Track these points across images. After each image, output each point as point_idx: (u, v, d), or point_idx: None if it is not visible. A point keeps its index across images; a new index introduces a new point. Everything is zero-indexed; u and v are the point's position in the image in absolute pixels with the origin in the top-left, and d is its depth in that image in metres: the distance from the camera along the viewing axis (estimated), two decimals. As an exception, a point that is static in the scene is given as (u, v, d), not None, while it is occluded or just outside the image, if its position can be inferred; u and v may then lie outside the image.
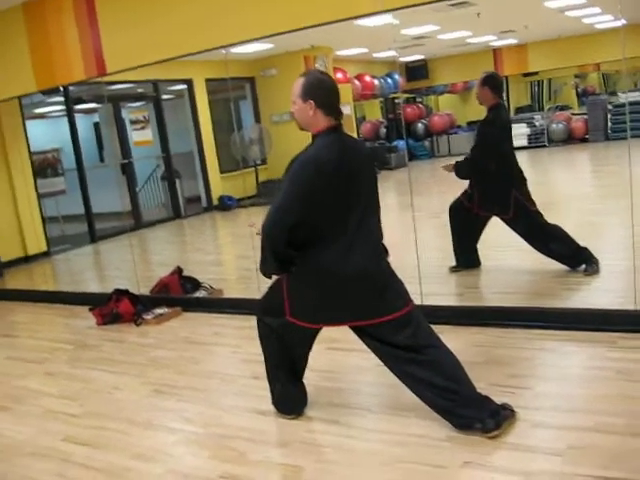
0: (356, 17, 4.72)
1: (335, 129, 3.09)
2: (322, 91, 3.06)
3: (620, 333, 3.95)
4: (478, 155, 5.26)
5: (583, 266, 5.10)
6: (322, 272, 3.08)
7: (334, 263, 3.04)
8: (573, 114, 13.77)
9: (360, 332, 3.23)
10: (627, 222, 4.36)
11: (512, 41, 11.78)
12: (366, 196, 3.11)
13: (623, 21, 4.79)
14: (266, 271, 3.22)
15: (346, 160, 3.03)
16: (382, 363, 3.26)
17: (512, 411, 3.07)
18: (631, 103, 13.09)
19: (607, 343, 3.87)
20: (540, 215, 5.18)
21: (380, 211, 3.21)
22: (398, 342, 3.11)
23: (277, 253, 3.09)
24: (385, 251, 3.22)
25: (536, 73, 13.64)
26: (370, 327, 3.15)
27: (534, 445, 2.88)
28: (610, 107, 12.85)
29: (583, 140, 12.94)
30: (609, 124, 12.76)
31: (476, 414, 2.99)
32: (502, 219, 5.27)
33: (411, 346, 3.10)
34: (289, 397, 3.48)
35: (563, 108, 14.46)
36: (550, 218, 5.23)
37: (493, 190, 5.20)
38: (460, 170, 5.32)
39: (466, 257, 5.57)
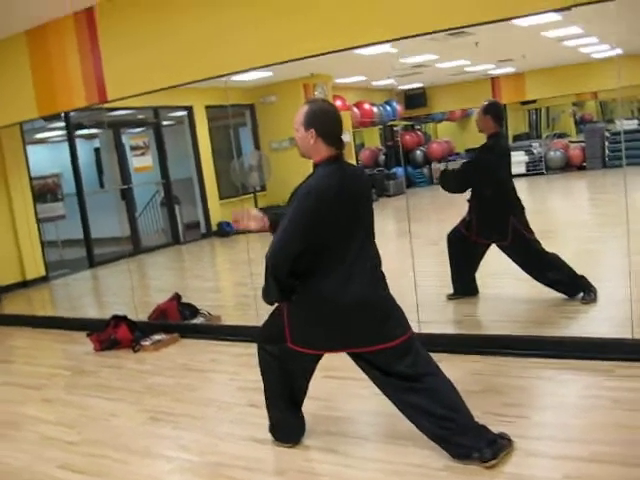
0: (356, 47, 4.77)
1: (336, 158, 3.12)
2: (324, 121, 3.09)
3: (617, 362, 3.96)
4: (470, 173, 5.32)
5: (581, 294, 5.12)
6: (322, 300, 3.11)
7: (333, 292, 3.06)
8: (571, 142, 13.84)
9: (359, 359, 3.24)
10: (624, 250, 4.38)
11: (510, 70, 11.86)
12: (365, 223, 3.16)
13: (618, 51, 4.86)
14: (268, 299, 3.23)
15: (346, 189, 3.06)
16: (380, 391, 3.26)
17: (509, 440, 3.07)
18: (628, 131, 13.20)
19: (604, 372, 3.88)
20: (538, 243, 5.20)
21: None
22: (397, 371, 3.12)
23: (280, 282, 3.11)
24: (383, 277, 3.23)
25: (534, 101, 13.73)
26: (369, 354, 3.16)
27: (530, 474, 2.88)
28: (607, 135, 12.93)
29: (580, 168, 12.98)
30: (606, 152, 12.82)
31: (473, 443, 2.99)
32: (500, 247, 5.29)
33: (410, 375, 3.11)
34: (287, 425, 3.48)
35: (561, 136, 14.52)
36: (548, 246, 5.25)
37: (491, 217, 5.23)
38: (444, 180, 5.35)
39: (464, 285, 5.58)
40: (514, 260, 5.27)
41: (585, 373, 3.95)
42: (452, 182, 5.39)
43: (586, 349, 4.15)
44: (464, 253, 5.47)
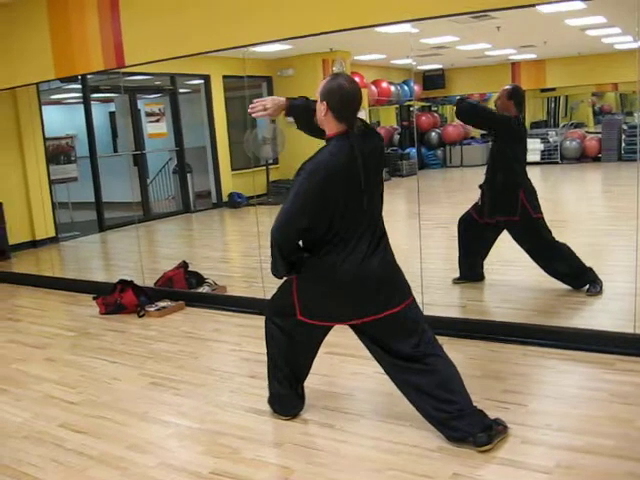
0: (376, 25, 4.75)
1: (347, 135, 3.09)
2: (338, 97, 3.08)
3: (618, 355, 3.97)
4: (490, 115, 5.36)
5: (587, 286, 5.12)
6: (328, 274, 3.14)
7: (339, 266, 3.09)
8: (587, 132, 13.75)
9: (363, 336, 3.27)
10: (633, 245, 4.37)
11: (531, 56, 11.77)
12: (372, 196, 3.15)
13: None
14: (277, 274, 3.25)
15: (355, 166, 3.04)
16: (381, 370, 3.29)
17: (505, 427, 3.10)
18: (645, 125, 13.09)
19: (604, 365, 3.89)
20: (549, 232, 5.19)
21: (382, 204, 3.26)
22: (401, 350, 3.15)
23: (284, 256, 3.14)
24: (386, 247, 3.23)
25: (553, 89, 13.62)
26: (374, 329, 3.19)
27: (523, 461, 2.90)
28: (625, 127, 12.83)
29: (596, 159, 12.91)
30: (623, 144, 12.74)
31: (469, 428, 3.02)
32: (510, 230, 5.26)
33: (413, 356, 3.14)
34: (286, 399, 3.52)
35: (578, 125, 14.43)
36: (558, 235, 5.24)
37: (502, 192, 5.21)
38: (462, 107, 5.29)
39: (470, 270, 5.58)
40: (522, 245, 5.25)
41: (585, 365, 3.97)
42: (469, 110, 5.31)
43: (587, 341, 4.16)
44: (474, 238, 5.46)
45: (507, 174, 5.22)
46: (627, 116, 14.17)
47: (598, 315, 4.92)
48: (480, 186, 5.39)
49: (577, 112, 15.61)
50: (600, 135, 13.14)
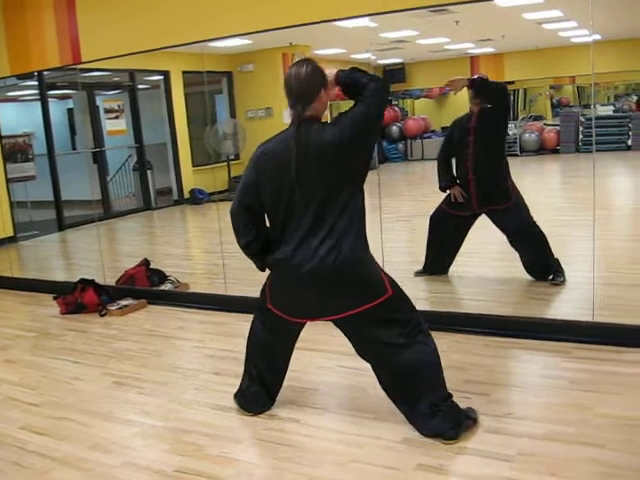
0: (334, 20, 4.76)
1: (294, 123, 3.03)
2: (285, 83, 3.07)
3: (576, 344, 4.05)
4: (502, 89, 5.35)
5: (550, 276, 5.18)
6: (278, 270, 3.17)
7: (285, 262, 3.08)
8: (546, 124, 13.94)
9: (338, 324, 3.22)
10: (590, 234, 4.46)
11: (489, 50, 11.88)
12: (318, 190, 3.00)
13: (596, 36, 4.89)
14: (255, 264, 3.29)
15: (289, 156, 2.97)
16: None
17: (475, 420, 3.13)
18: (602, 117, 13.31)
19: (563, 353, 3.97)
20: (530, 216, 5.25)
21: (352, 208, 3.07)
22: (378, 339, 3.11)
23: (240, 237, 3.21)
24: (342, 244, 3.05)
25: (512, 82, 13.77)
26: (344, 325, 3.18)
27: (486, 450, 2.94)
28: (582, 120, 13.04)
29: (554, 151, 13.10)
30: (580, 136, 12.94)
31: (440, 425, 3.03)
32: (494, 215, 5.27)
33: (392, 344, 3.09)
34: (255, 396, 3.51)
35: (536, 118, 14.61)
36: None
37: (494, 181, 5.24)
38: (481, 84, 5.16)
39: (437, 264, 5.61)
40: (506, 228, 5.27)
41: (544, 353, 4.04)
42: (490, 86, 5.27)
43: (546, 330, 4.23)
44: (449, 233, 5.45)
45: (499, 160, 5.28)
46: (584, 108, 14.40)
47: (558, 305, 5.01)
48: (455, 181, 5.41)
49: (535, 105, 15.81)
50: (558, 127, 13.33)
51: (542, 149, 13.07)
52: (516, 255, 5.31)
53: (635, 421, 3.10)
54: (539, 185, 11.56)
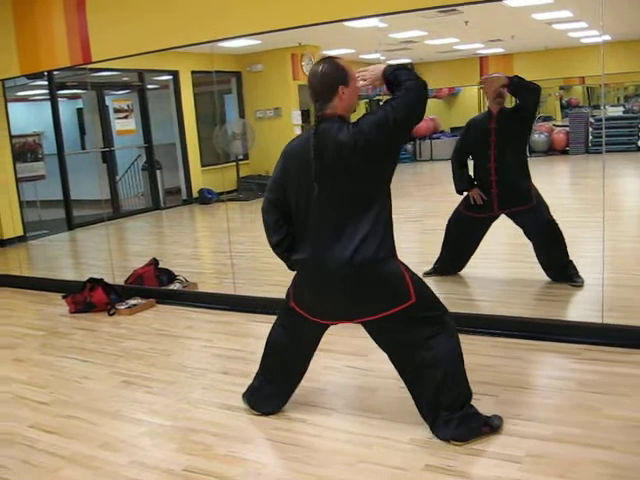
0: (344, 20, 4.76)
1: (316, 121, 3.03)
2: (309, 82, 3.09)
3: (585, 345, 4.04)
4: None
5: (571, 277, 5.14)
6: (298, 267, 3.17)
7: (304, 259, 3.10)
8: (555, 125, 13.90)
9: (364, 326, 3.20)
10: (600, 236, 4.44)
11: (499, 50, 11.86)
12: (332, 192, 2.98)
13: (606, 37, 4.87)
14: (285, 264, 3.27)
15: (309, 154, 2.97)
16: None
17: (492, 428, 3.08)
18: (612, 118, 13.26)
19: (572, 354, 3.95)
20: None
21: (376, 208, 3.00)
22: (400, 340, 3.10)
23: (274, 242, 3.20)
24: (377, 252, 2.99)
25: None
26: (369, 327, 3.16)
27: (494, 451, 2.94)
28: (592, 120, 13.00)
29: (564, 152, 13.06)
30: (590, 137, 12.90)
31: (454, 431, 3.02)
32: (517, 216, 5.24)
33: (413, 344, 3.07)
34: (265, 396, 3.50)
35: (546, 119, 14.57)
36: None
37: (517, 182, 5.21)
38: (519, 83, 5.04)
39: (450, 266, 5.61)
40: (529, 229, 5.24)
41: (553, 355, 4.03)
42: (527, 85, 5.23)
43: (555, 331, 4.22)
44: (464, 236, 5.44)
45: (521, 161, 5.26)
46: (594, 109, 14.35)
47: (567, 306, 5.00)
48: (473, 183, 5.36)
49: (545, 106, 15.75)
50: (568, 128, 13.30)
51: (551, 150, 13.04)
52: (524, 256, 5.29)
53: (644, 423, 3.09)
54: (548, 186, 11.49)
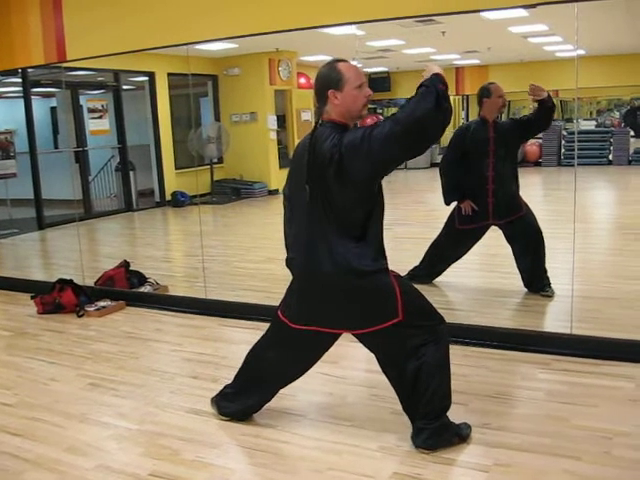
0: (320, 26, 4.77)
1: (315, 124, 2.99)
2: None
3: (554, 355, 4.07)
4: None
5: (542, 287, 5.20)
6: (289, 267, 3.15)
7: (291, 260, 3.11)
8: (528, 137, 14.02)
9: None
10: (570, 247, 4.49)
11: (475, 61, 11.97)
12: (318, 197, 2.89)
13: (580, 51, 4.93)
14: None
15: (305, 157, 2.92)
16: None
17: (462, 438, 3.09)
18: (584, 132, 13.43)
19: (541, 364, 3.98)
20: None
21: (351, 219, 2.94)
22: (385, 350, 3.11)
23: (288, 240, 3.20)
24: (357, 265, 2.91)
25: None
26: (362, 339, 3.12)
27: (463, 460, 2.95)
28: (565, 133, 13.15)
29: (536, 164, 13.19)
30: (562, 150, 13.05)
31: (426, 441, 3.03)
32: (509, 229, 5.27)
33: (398, 355, 3.05)
34: (236, 404, 3.45)
35: (519, 131, 14.69)
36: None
37: (510, 193, 5.26)
38: (552, 103, 5.07)
39: (427, 274, 5.59)
40: (517, 237, 5.26)
41: (522, 364, 4.05)
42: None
43: (526, 341, 4.25)
44: (453, 246, 5.44)
45: (515, 170, 5.32)
46: (567, 122, 14.51)
47: (537, 316, 5.03)
48: (464, 195, 5.32)
49: (519, 118, 15.89)
50: (541, 141, 13.43)
51: (524, 162, 13.14)
52: (496, 266, 5.34)
53: (611, 433, 3.11)
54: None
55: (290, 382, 3.41)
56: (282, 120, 11.85)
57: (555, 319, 4.88)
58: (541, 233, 5.23)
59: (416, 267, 5.61)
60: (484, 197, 5.23)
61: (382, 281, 2.95)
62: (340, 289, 2.93)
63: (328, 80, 2.91)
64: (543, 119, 5.15)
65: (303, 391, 3.83)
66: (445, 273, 5.60)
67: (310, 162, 2.88)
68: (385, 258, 3.02)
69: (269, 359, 3.30)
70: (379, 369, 3.19)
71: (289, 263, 3.14)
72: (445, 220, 5.47)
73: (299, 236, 3.05)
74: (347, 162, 2.79)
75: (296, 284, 3.12)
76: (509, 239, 5.32)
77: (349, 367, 4.06)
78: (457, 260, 5.54)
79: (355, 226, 2.91)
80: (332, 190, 2.86)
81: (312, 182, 2.88)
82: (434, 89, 2.73)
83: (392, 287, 2.95)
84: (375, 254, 2.96)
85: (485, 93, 5.28)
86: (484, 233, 5.38)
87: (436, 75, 2.79)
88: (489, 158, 5.21)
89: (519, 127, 5.24)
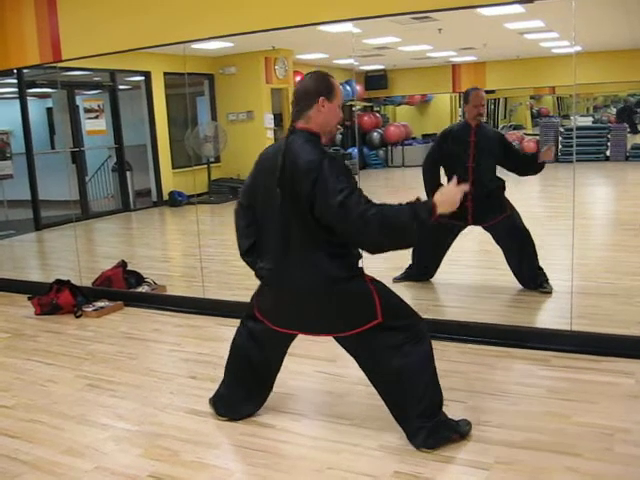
0: (317, 24, 4.74)
1: (288, 132, 2.99)
2: None
3: (554, 352, 4.07)
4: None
5: (540, 284, 5.18)
6: (259, 276, 3.17)
7: (262, 269, 3.11)
8: (526, 134, 14.03)
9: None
10: (569, 244, 4.48)
11: (471, 58, 11.95)
12: (288, 206, 2.90)
13: (577, 47, 4.92)
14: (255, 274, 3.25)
15: (276, 164, 2.90)
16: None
17: (461, 435, 3.07)
18: (582, 128, 13.43)
19: (541, 361, 3.97)
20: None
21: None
22: (367, 352, 3.08)
23: (244, 247, 3.19)
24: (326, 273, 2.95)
25: (493, 91, 13.85)
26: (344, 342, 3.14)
27: (463, 458, 2.93)
28: (562, 130, 13.14)
29: (534, 160, 13.17)
30: (560, 146, 13.04)
31: (425, 440, 3.00)
32: (496, 230, 5.27)
33: (383, 355, 3.03)
34: (231, 401, 3.45)
35: (516, 127, 14.70)
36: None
37: (491, 194, 5.23)
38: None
39: (421, 272, 5.61)
40: (502, 237, 5.26)
41: (522, 361, 4.04)
42: None
43: (525, 338, 4.24)
44: (434, 241, 5.39)
45: (495, 174, 5.28)
46: (564, 119, 14.52)
47: (536, 313, 5.02)
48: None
49: (516, 114, 15.91)
50: (538, 137, 13.44)
51: (521, 158, 13.14)
52: (494, 262, 5.32)
53: (612, 430, 3.10)
54: (518, 194, 11.59)
55: (275, 370, 3.45)
56: (279, 118, 11.81)
57: (555, 315, 4.86)
58: (527, 232, 5.22)
59: (410, 266, 5.63)
60: (463, 201, 5.22)
61: (358, 286, 2.99)
62: (316, 297, 2.97)
63: (322, 87, 2.94)
64: (524, 166, 5.25)
65: (302, 390, 3.82)
66: (444, 270, 5.58)
67: (283, 172, 2.86)
68: (359, 263, 3.05)
69: (251, 351, 3.35)
70: (378, 368, 3.17)
71: (259, 273, 3.14)
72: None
73: (269, 245, 3.05)
74: (315, 196, 2.80)
75: (271, 293, 3.13)
76: (496, 241, 5.34)
77: (347, 365, 4.03)
78: (439, 257, 5.53)
79: (329, 233, 2.88)
80: (302, 202, 2.85)
81: (283, 192, 2.88)
82: (426, 222, 2.98)
83: (369, 291, 2.98)
84: (350, 259, 3.00)
85: (465, 98, 5.34)
86: (459, 231, 5.38)
87: (434, 206, 3.04)
88: (469, 161, 5.21)
89: (500, 144, 5.28)
